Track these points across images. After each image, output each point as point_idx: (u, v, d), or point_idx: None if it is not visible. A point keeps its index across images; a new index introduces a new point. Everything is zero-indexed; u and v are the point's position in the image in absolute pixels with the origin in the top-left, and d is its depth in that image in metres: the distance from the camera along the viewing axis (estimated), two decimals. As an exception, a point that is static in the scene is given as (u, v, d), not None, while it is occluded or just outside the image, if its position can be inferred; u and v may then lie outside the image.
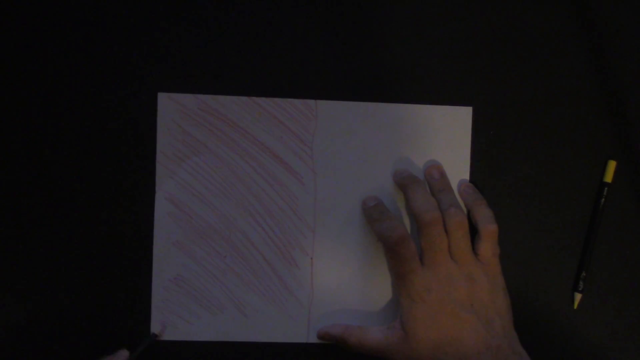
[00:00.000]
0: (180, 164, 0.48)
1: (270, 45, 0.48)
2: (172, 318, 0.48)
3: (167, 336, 0.47)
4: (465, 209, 0.48)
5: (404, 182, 0.48)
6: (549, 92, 0.50)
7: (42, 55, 0.48)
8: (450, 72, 0.49)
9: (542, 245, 0.49)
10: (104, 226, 0.47)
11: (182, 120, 0.48)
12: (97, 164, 0.47)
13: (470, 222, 0.47)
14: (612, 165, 0.49)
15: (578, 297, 0.49)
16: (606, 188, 0.49)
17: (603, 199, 0.49)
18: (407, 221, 0.49)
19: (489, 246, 0.46)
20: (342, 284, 0.48)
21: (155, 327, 0.47)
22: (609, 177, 0.49)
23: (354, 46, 0.49)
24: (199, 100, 0.48)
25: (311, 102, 0.48)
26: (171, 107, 0.48)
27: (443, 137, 0.49)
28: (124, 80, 0.48)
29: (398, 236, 0.45)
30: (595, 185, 0.50)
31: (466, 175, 0.49)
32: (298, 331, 0.48)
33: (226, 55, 0.48)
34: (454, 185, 0.49)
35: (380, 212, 0.47)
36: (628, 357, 0.50)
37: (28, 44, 0.48)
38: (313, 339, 0.48)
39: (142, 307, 0.47)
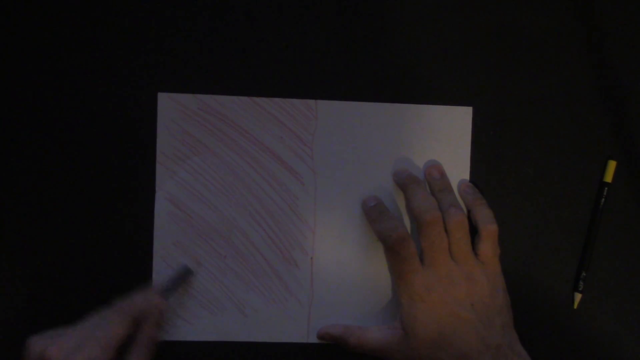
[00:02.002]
0: (180, 164, 0.48)
1: (270, 45, 0.48)
2: (172, 318, 0.48)
3: (168, 336, 0.47)
4: (465, 209, 0.48)
5: (404, 182, 0.48)
6: (549, 92, 0.50)
7: (42, 55, 0.48)
8: (450, 72, 0.49)
9: (542, 245, 0.49)
10: (104, 226, 0.47)
11: (182, 120, 0.48)
12: (97, 164, 0.47)
13: (470, 222, 0.47)
14: (612, 165, 0.49)
15: (578, 297, 0.49)
16: (606, 188, 0.49)
17: (603, 199, 0.49)
18: (407, 221, 0.49)
19: (489, 246, 0.46)
20: (342, 284, 0.48)
21: (190, 263, 0.47)
22: (609, 177, 0.49)
23: (354, 46, 0.49)
24: (199, 100, 0.48)
25: (311, 102, 0.48)
26: (171, 107, 0.48)
27: (443, 137, 0.49)
28: (124, 80, 0.48)
29: (398, 236, 0.45)
30: (595, 185, 0.50)
31: (466, 175, 0.49)
32: (298, 331, 0.48)
33: (226, 55, 0.48)
34: (454, 185, 0.49)
35: (380, 212, 0.47)
36: (628, 356, 0.50)
37: (28, 44, 0.48)
38: (313, 339, 0.48)
39: (142, 307, 0.47)
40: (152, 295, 0.44)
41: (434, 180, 0.48)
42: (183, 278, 0.47)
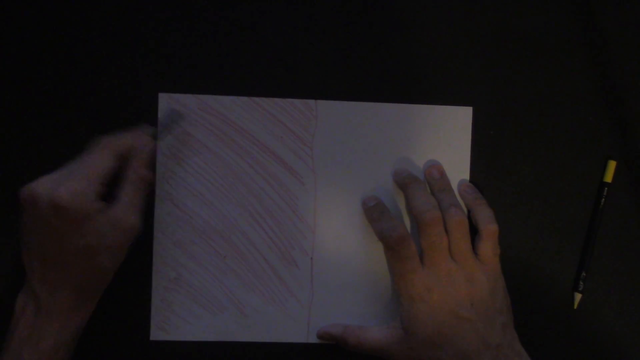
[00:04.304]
0: (180, 164, 0.48)
1: (270, 45, 0.48)
2: (172, 318, 0.48)
3: (167, 336, 0.47)
4: (465, 209, 0.48)
5: (404, 182, 0.48)
6: (549, 92, 0.50)
7: (43, 55, 0.48)
8: (450, 72, 0.49)
9: (542, 245, 0.49)
10: (104, 226, 0.47)
11: (182, 120, 0.48)
12: (97, 164, 0.47)
13: (470, 222, 0.47)
14: (612, 165, 0.49)
15: (578, 297, 0.49)
16: (606, 188, 0.49)
17: (603, 199, 0.49)
18: (407, 221, 0.49)
19: (489, 246, 0.46)
20: (342, 284, 0.48)
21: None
22: (609, 177, 0.49)
23: (354, 46, 0.49)
24: (199, 100, 0.48)
25: (311, 102, 0.48)
26: (171, 107, 0.48)
27: (443, 137, 0.49)
28: (124, 80, 0.48)
29: (398, 236, 0.45)
30: (595, 185, 0.50)
31: (466, 175, 0.49)
32: (298, 331, 0.48)
33: (226, 55, 0.48)
34: (454, 185, 0.49)
35: (380, 212, 0.47)
36: (628, 357, 0.50)
37: (28, 45, 0.48)
38: (313, 339, 0.48)
39: (142, 307, 0.47)
40: (139, 133, 0.45)
41: (434, 180, 0.48)
42: (173, 121, 0.46)
